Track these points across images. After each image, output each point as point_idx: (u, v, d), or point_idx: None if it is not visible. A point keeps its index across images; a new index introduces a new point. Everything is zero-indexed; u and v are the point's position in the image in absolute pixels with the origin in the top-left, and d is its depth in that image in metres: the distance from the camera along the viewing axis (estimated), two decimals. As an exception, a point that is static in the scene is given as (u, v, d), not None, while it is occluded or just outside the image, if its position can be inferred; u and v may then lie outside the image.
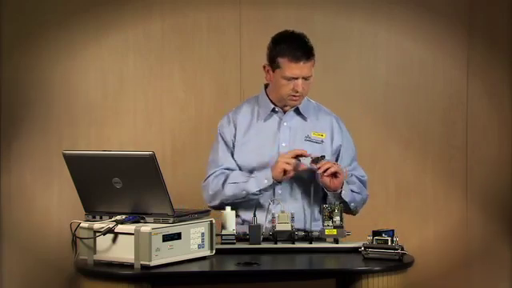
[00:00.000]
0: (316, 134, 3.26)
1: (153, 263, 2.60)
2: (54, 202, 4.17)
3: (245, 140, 3.26)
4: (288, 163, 3.08)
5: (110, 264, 2.65)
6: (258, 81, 4.28)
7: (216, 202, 3.22)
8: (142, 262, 2.59)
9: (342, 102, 4.25)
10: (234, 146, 3.27)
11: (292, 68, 3.14)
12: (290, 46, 3.16)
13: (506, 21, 4.37)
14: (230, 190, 3.17)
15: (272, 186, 3.14)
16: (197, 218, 2.79)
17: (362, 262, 2.76)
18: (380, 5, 4.32)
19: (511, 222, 4.38)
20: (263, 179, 3.13)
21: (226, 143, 3.29)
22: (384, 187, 4.33)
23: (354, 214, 3.24)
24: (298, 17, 4.27)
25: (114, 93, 4.24)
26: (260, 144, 3.24)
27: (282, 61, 3.16)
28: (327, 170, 3.06)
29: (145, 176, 2.65)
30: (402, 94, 4.35)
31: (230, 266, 2.74)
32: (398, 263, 2.75)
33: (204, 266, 2.73)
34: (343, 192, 3.12)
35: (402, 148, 4.36)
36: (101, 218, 2.74)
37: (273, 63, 3.19)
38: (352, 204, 3.16)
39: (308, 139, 3.25)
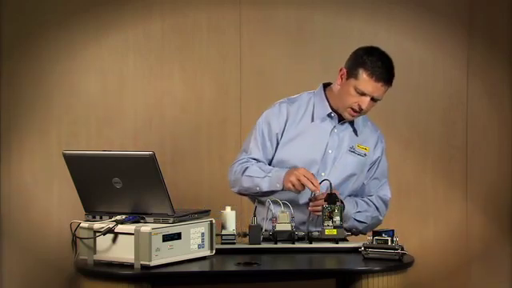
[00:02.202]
0: (361, 147, 3.22)
1: (153, 263, 2.60)
2: (54, 202, 4.17)
3: (294, 136, 3.19)
4: (298, 180, 3.00)
5: (110, 264, 2.65)
6: (258, 81, 4.31)
7: (235, 189, 3.20)
8: (142, 262, 2.59)
9: (342, 102, 4.25)
10: (277, 138, 3.19)
11: (369, 84, 3.07)
12: (380, 63, 3.08)
13: (506, 21, 4.37)
14: (246, 182, 3.13)
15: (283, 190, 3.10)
16: (197, 218, 2.79)
17: (362, 262, 2.76)
18: (380, 5, 4.32)
19: (511, 222, 4.38)
20: (276, 183, 3.08)
21: (263, 134, 3.21)
22: (384, 187, 4.33)
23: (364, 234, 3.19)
24: (298, 17, 4.27)
25: (114, 93, 4.24)
26: (309, 145, 3.18)
27: (362, 72, 3.08)
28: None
29: (145, 176, 2.65)
30: (402, 94, 4.35)
31: (230, 266, 2.74)
32: (398, 263, 2.75)
33: (204, 266, 2.73)
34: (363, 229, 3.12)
35: (401, 148, 4.36)
36: (101, 217, 2.74)
37: (353, 70, 3.10)
38: (353, 230, 3.09)
39: (352, 150, 3.20)
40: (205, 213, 2.85)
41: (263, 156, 3.20)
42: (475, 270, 4.38)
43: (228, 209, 3.00)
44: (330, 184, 3.01)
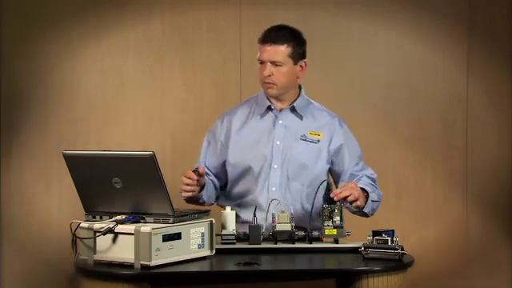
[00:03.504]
0: (312, 134, 3.25)
1: (153, 263, 2.60)
2: (54, 202, 4.17)
3: (239, 137, 3.26)
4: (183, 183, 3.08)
5: (110, 264, 2.65)
6: (258, 81, 4.30)
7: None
8: (142, 262, 2.59)
9: (342, 102, 4.25)
10: (223, 146, 3.28)
11: (261, 51, 3.18)
12: (267, 30, 3.20)
13: (506, 21, 4.37)
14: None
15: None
16: (197, 218, 2.79)
17: (362, 262, 2.76)
18: (380, 5, 4.32)
19: (511, 221, 4.38)
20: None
21: (208, 144, 3.32)
22: (384, 187, 4.31)
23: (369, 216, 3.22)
24: (298, 17, 4.27)
25: (114, 93, 4.24)
26: (255, 141, 3.24)
27: (258, 45, 3.20)
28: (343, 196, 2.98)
29: (145, 176, 2.65)
30: (402, 94, 4.35)
31: (230, 266, 2.74)
32: (398, 263, 2.75)
33: (204, 266, 2.73)
34: (365, 209, 3.11)
35: (401, 148, 4.36)
36: (101, 217, 2.74)
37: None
38: (370, 212, 3.14)
39: (303, 138, 3.24)
40: (205, 213, 2.85)
41: (210, 163, 3.29)
42: (475, 270, 4.38)
43: (228, 209, 3.01)
44: (328, 183, 3.01)
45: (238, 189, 3.26)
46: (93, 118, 4.23)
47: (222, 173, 3.31)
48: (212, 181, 3.28)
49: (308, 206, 3.14)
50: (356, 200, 3.00)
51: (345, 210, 3.01)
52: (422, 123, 4.37)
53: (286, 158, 3.21)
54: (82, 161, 2.75)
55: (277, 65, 3.17)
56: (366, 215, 3.17)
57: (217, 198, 3.31)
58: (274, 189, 3.19)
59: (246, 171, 3.22)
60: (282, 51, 3.17)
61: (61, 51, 4.19)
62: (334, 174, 3.31)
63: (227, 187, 3.32)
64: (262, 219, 3.05)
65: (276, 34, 3.17)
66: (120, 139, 4.20)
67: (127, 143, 4.18)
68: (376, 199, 3.18)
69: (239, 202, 3.24)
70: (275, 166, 3.20)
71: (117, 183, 2.70)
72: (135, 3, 4.22)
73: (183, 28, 4.26)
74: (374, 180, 3.28)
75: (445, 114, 4.38)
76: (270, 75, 3.17)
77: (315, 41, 4.28)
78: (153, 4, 4.24)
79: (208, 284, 2.82)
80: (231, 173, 3.27)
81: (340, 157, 3.27)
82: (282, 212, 2.98)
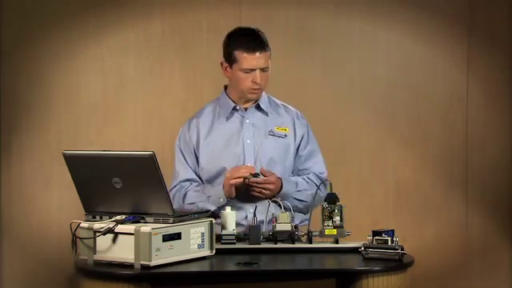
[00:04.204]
0: (279, 129, 3.31)
1: (153, 263, 2.60)
2: (54, 201, 4.17)
3: (209, 141, 3.28)
4: (236, 179, 3.11)
5: (110, 264, 2.65)
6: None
7: None
8: (142, 262, 2.59)
9: (342, 102, 4.25)
10: (196, 151, 3.29)
11: (248, 59, 3.19)
12: (244, 38, 3.21)
13: (506, 21, 4.37)
14: (193, 208, 3.18)
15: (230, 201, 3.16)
16: (197, 218, 2.79)
17: (362, 262, 2.76)
18: (380, 5, 4.32)
19: (511, 222, 4.38)
20: (218, 198, 3.16)
21: (182, 152, 3.31)
22: (384, 187, 4.33)
23: (305, 213, 3.26)
24: (298, 17, 4.27)
25: (114, 93, 4.24)
26: (225, 143, 3.27)
27: (237, 54, 3.20)
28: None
29: (145, 176, 2.65)
30: (402, 94, 4.35)
31: (230, 266, 2.74)
32: (398, 263, 2.75)
33: (204, 266, 2.73)
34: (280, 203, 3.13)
35: (401, 148, 4.36)
36: (101, 217, 2.74)
37: (229, 58, 3.23)
38: (294, 208, 3.11)
39: (272, 134, 3.29)
40: (205, 213, 2.86)
41: (192, 171, 3.29)
42: (475, 270, 4.38)
43: (228, 209, 3.01)
44: (330, 184, 3.01)
45: None
46: (93, 117, 4.22)
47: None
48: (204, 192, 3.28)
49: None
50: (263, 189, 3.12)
51: (345, 211, 3.01)
52: (422, 123, 4.37)
53: (258, 155, 3.25)
54: (82, 161, 2.75)
55: (264, 70, 3.22)
56: (301, 211, 3.23)
57: None
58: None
59: (219, 173, 3.24)
60: (267, 56, 3.23)
61: (61, 51, 4.19)
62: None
63: None
64: (242, 219, 3.10)
65: (259, 41, 3.21)
66: (120, 139, 4.20)
67: (127, 143, 4.18)
68: (302, 199, 3.22)
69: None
70: (249, 164, 3.22)
71: (117, 183, 2.70)
72: (135, 3, 4.22)
73: (183, 28, 4.26)
74: (321, 178, 3.30)
75: (445, 113, 4.38)
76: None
77: (315, 41, 4.30)
78: (153, 4, 4.24)
79: (208, 284, 2.82)
80: (205, 176, 3.28)
81: (300, 150, 3.32)
82: (282, 212, 2.98)
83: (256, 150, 3.26)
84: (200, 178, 3.30)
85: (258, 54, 3.19)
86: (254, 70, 3.20)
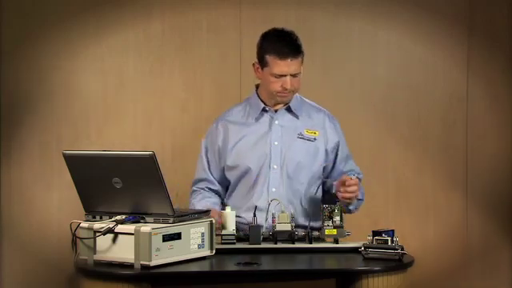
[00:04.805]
0: (309, 132, 3.27)
1: (153, 263, 2.60)
2: (54, 201, 4.17)
3: (236, 141, 3.27)
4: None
5: (110, 264, 2.65)
6: (258, 81, 4.30)
7: None
8: (142, 262, 2.59)
9: (342, 102, 4.25)
10: (221, 151, 3.29)
11: (279, 65, 3.16)
12: (278, 43, 3.17)
13: (506, 21, 4.36)
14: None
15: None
16: (197, 218, 2.79)
17: (362, 262, 2.77)
18: (380, 5, 4.32)
19: (511, 222, 4.38)
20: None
21: (206, 153, 3.33)
22: (384, 187, 4.33)
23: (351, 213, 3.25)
24: (298, 17, 4.27)
25: (114, 93, 4.24)
26: (252, 144, 3.25)
27: (269, 58, 3.17)
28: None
29: (145, 176, 2.65)
30: (402, 94, 4.35)
31: (230, 266, 2.74)
32: (398, 263, 2.75)
33: (204, 266, 2.73)
34: (352, 206, 3.14)
35: (401, 148, 4.36)
36: (101, 217, 2.74)
37: (261, 61, 3.21)
38: (354, 210, 3.17)
39: (301, 137, 3.26)
40: (205, 213, 2.86)
41: (209, 172, 3.32)
42: (475, 270, 4.38)
43: (228, 209, 3.01)
44: (332, 184, 3.02)
45: (238, 191, 3.27)
46: (93, 117, 4.22)
47: (224, 178, 3.32)
48: (213, 203, 3.27)
49: (308, 205, 3.16)
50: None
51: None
52: (422, 123, 4.37)
53: (285, 158, 3.22)
54: (82, 161, 2.75)
55: (295, 76, 3.18)
56: (349, 212, 3.20)
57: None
58: (273, 189, 3.20)
59: (244, 173, 3.23)
60: (299, 62, 3.20)
61: (61, 51, 4.19)
62: (324, 171, 3.32)
63: (228, 191, 3.32)
64: (262, 220, 3.06)
65: (293, 47, 3.17)
66: (120, 139, 4.20)
67: (127, 143, 4.18)
68: (361, 198, 3.22)
69: (240, 205, 3.23)
70: (275, 167, 3.21)
71: (117, 183, 2.70)
72: (135, 3, 4.22)
73: (183, 28, 4.26)
74: (360, 180, 3.28)
75: (445, 114, 4.38)
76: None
77: (315, 41, 4.30)
78: (153, 4, 4.24)
79: (208, 284, 2.82)
80: (231, 176, 3.28)
81: (333, 154, 3.30)
82: (282, 212, 2.99)
83: (283, 153, 3.23)
84: (219, 182, 3.31)
85: (289, 60, 3.15)
86: (284, 75, 3.17)
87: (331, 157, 3.29)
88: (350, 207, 3.15)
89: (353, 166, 3.34)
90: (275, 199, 3.09)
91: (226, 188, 3.34)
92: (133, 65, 4.25)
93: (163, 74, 4.26)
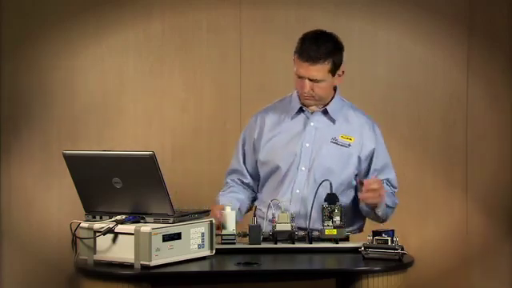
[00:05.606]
0: (344, 138, 3.18)
1: (153, 263, 2.60)
2: (54, 202, 4.17)
3: (271, 136, 3.22)
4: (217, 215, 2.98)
5: (110, 264, 2.65)
6: (258, 81, 4.31)
7: None
8: (142, 262, 2.59)
9: (342, 102, 4.25)
10: (256, 144, 3.25)
11: (299, 66, 3.10)
12: (303, 44, 3.10)
13: (506, 21, 4.37)
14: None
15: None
16: (197, 218, 2.79)
17: (362, 262, 2.76)
18: (380, 5, 4.32)
19: (511, 222, 4.38)
20: None
21: (242, 145, 3.30)
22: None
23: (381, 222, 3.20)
24: (298, 17, 4.27)
25: (114, 93, 4.24)
26: (285, 143, 3.20)
27: (294, 57, 3.13)
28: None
29: (145, 176, 2.65)
30: (402, 94, 4.36)
31: (230, 266, 2.74)
32: (398, 263, 2.75)
33: (204, 266, 2.73)
34: (379, 211, 3.10)
35: (401, 148, 4.35)
36: (101, 217, 2.74)
37: (293, 57, 3.14)
38: (383, 217, 3.13)
39: (334, 141, 3.17)
40: (205, 213, 2.85)
41: (242, 164, 3.29)
42: (475, 270, 4.38)
43: (228, 209, 3.01)
44: (331, 184, 3.01)
45: (266, 188, 3.24)
46: (93, 117, 4.23)
47: (257, 171, 3.28)
48: (237, 198, 3.24)
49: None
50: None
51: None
52: (422, 123, 4.37)
53: (314, 161, 3.16)
54: (82, 161, 2.75)
55: (315, 81, 3.11)
56: (378, 218, 3.15)
57: (252, 203, 3.31)
58: (297, 191, 3.14)
59: (274, 170, 3.19)
60: (322, 69, 3.10)
61: (61, 51, 4.19)
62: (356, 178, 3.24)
63: (259, 186, 3.30)
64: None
65: (317, 51, 3.07)
66: (120, 139, 4.20)
67: (127, 143, 4.18)
68: (390, 205, 3.17)
69: (266, 201, 3.17)
70: (303, 168, 3.15)
71: (117, 183, 2.70)
72: (135, 3, 4.22)
73: (183, 28, 4.26)
74: (393, 185, 3.26)
75: (445, 113, 4.38)
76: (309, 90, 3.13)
77: (315, 41, 4.29)
78: (153, 4, 4.24)
79: (208, 284, 2.82)
80: (262, 171, 3.25)
81: (367, 163, 3.20)
82: (282, 212, 2.98)
83: (313, 156, 3.15)
84: (251, 175, 3.29)
85: (307, 64, 3.07)
86: (303, 77, 3.10)
87: (364, 165, 3.19)
88: (378, 212, 3.08)
89: (389, 176, 3.26)
90: (275, 199, 3.09)
91: (258, 181, 3.30)
92: (133, 65, 4.25)
93: (163, 74, 4.27)
